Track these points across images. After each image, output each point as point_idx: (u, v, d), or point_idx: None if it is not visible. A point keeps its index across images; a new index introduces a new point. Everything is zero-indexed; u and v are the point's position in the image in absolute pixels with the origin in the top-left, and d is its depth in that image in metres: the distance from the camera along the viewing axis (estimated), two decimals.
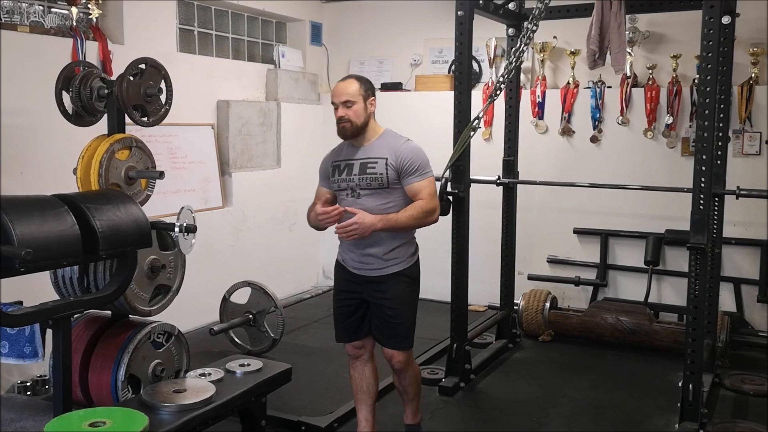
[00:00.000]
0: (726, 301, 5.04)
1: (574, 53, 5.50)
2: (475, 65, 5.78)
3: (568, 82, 5.58)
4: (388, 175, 3.04)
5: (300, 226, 6.32)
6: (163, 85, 3.18)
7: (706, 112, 3.41)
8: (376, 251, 3.08)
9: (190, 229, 2.96)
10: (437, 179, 3.34)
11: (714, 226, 4.14)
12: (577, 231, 5.62)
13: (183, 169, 5.12)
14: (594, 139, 5.54)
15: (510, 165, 4.86)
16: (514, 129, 4.88)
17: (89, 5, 4.41)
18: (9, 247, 2.28)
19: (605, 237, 5.50)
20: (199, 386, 2.80)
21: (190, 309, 4.30)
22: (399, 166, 3.03)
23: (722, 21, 3.56)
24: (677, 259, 5.26)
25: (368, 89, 3.10)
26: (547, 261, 5.74)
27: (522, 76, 5.37)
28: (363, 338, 3.20)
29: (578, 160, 5.58)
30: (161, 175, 3.08)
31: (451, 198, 3.94)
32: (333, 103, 3.08)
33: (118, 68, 4.25)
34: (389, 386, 3.85)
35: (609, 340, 4.86)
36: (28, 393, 3.66)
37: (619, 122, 5.45)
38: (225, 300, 4.69)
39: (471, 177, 4.16)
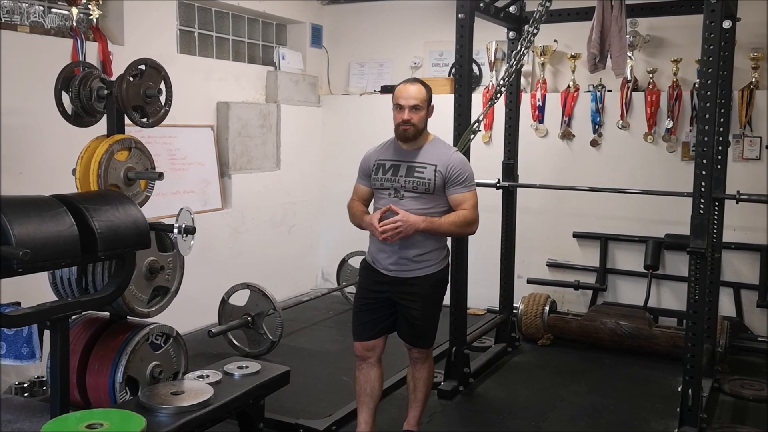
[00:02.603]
0: (725, 305, 5.03)
1: (574, 57, 5.50)
2: (475, 68, 5.77)
3: (569, 86, 5.58)
4: (435, 182, 3.10)
5: (299, 228, 6.32)
6: (162, 86, 3.18)
7: (707, 116, 3.41)
8: (411, 253, 3.12)
9: (189, 231, 2.95)
10: None
11: (714, 231, 4.14)
12: (576, 235, 5.61)
13: (182, 171, 5.11)
14: (594, 143, 5.54)
15: (510, 168, 4.85)
16: (514, 132, 4.88)
17: (89, 6, 4.40)
18: (7, 248, 2.27)
19: (605, 241, 5.50)
20: (197, 388, 2.79)
21: (189, 311, 4.29)
22: (447, 174, 3.11)
23: (723, 25, 3.56)
24: (677, 263, 5.25)
25: (431, 97, 3.19)
26: (547, 265, 5.73)
27: (522, 79, 5.37)
28: (376, 338, 3.21)
29: (578, 163, 5.58)
30: (160, 176, 3.07)
31: None
32: (398, 104, 3.11)
33: (117, 69, 4.25)
34: (389, 389, 3.84)
35: (608, 345, 4.85)
36: (26, 394, 3.66)
37: (619, 126, 5.45)
38: (223, 302, 4.67)
39: None
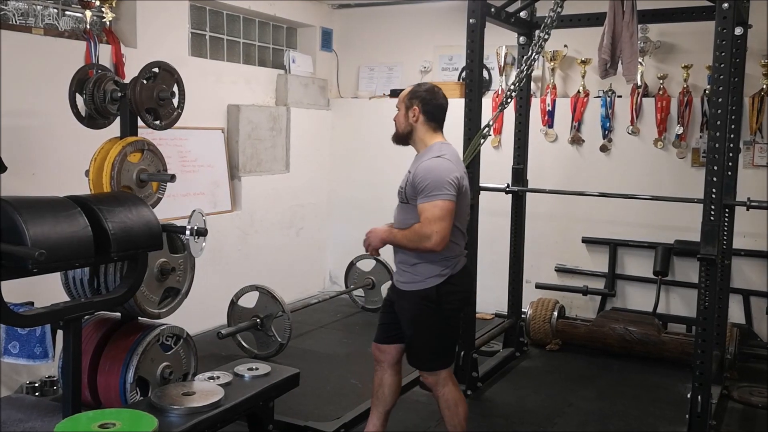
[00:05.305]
0: (735, 312, 5.01)
1: (584, 62, 5.50)
2: (485, 73, 5.78)
3: (579, 91, 5.58)
4: (407, 191, 2.96)
5: (307, 230, 6.34)
6: (175, 88, 3.20)
7: (718, 123, 3.41)
8: (401, 264, 3.05)
9: (201, 233, 2.97)
10: None
11: (724, 238, 4.13)
12: (585, 240, 5.61)
13: (192, 173, 5.14)
14: (603, 149, 5.53)
15: (519, 173, 4.85)
16: (523, 137, 4.88)
17: (103, 8, 4.43)
18: (22, 248, 2.29)
19: (614, 246, 5.49)
20: (207, 389, 2.81)
21: (198, 312, 4.31)
22: (413, 182, 2.92)
23: (735, 32, 3.56)
24: (686, 269, 5.24)
25: (412, 98, 3.05)
26: (555, 270, 5.73)
27: (532, 84, 5.37)
28: (387, 343, 3.16)
29: (587, 169, 5.57)
30: (173, 178, 3.09)
31: None
32: None
33: (130, 71, 4.29)
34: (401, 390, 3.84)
35: (617, 351, 4.84)
36: (36, 393, 3.68)
37: (629, 132, 5.44)
38: (233, 304, 4.69)
39: (480, 185, 4.16)
